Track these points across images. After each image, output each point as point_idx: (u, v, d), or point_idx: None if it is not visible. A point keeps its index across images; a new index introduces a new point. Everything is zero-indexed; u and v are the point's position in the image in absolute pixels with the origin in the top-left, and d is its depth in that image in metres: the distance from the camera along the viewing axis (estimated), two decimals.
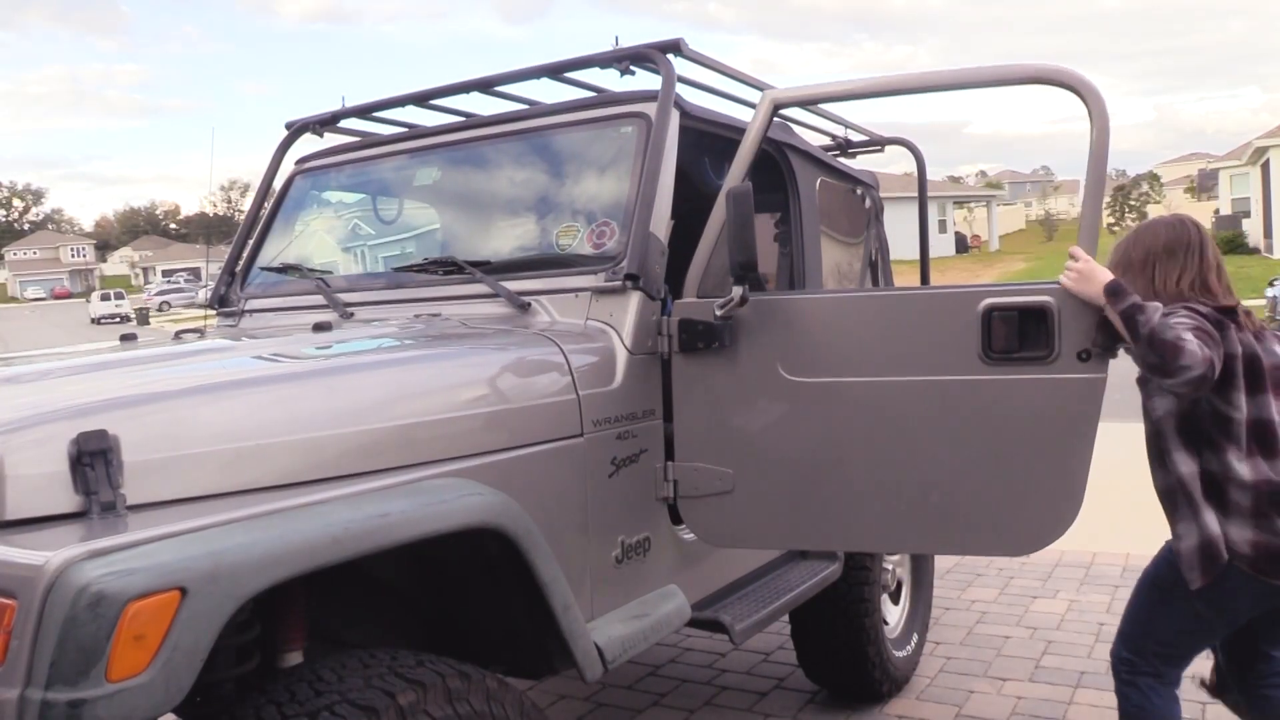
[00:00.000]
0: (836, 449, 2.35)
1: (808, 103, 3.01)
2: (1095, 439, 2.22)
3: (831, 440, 2.35)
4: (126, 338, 2.55)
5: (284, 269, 3.19)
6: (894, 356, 2.30)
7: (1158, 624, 2.40)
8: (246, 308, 3.18)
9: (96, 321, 47.78)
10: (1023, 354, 2.20)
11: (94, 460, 1.46)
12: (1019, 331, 2.20)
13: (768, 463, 2.41)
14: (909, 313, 2.32)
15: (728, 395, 2.43)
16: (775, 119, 3.47)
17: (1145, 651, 2.43)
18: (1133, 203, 39.75)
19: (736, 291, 2.33)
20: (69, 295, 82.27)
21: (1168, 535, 2.35)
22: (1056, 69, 2.27)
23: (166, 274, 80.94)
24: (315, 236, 3.36)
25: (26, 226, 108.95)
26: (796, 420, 2.37)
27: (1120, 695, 2.50)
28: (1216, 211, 35.45)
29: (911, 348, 2.29)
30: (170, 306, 48.59)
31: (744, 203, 2.24)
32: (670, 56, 2.71)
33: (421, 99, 3.19)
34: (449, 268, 2.69)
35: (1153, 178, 56.72)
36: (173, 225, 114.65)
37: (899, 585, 3.75)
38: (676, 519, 2.54)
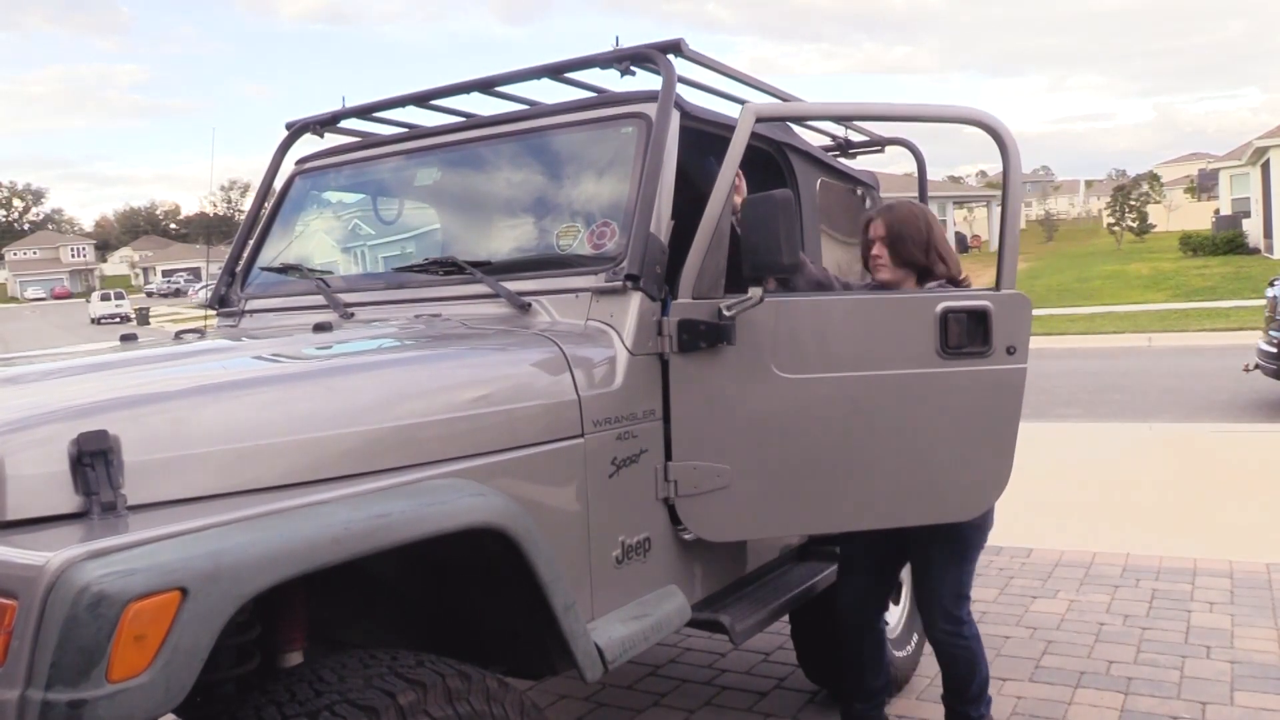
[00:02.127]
0: (824, 439, 2.57)
1: (783, 119, 3.25)
2: (1020, 416, 2.69)
3: (820, 431, 2.57)
4: (127, 338, 2.55)
5: (284, 269, 3.19)
6: (873, 353, 2.60)
7: (966, 575, 2.94)
8: (247, 308, 3.18)
9: (96, 321, 47.80)
10: (969, 349, 2.62)
11: (94, 460, 1.46)
12: (967, 330, 2.61)
13: (761, 457, 2.54)
14: (884, 314, 2.64)
15: (724, 393, 2.49)
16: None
17: (963, 603, 2.94)
18: (1133, 202, 39.49)
19: (756, 292, 2.41)
20: (69, 295, 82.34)
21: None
22: (978, 112, 2.71)
23: (166, 274, 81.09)
24: (315, 237, 3.36)
25: (26, 226, 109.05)
26: (788, 415, 2.54)
27: (959, 649, 2.96)
28: (1216, 211, 35.39)
29: (886, 345, 2.61)
30: None
31: (789, 208, 2.33)
32: (670, 57, 2.70)
33: (422, 99, 3.19)
34: (449, 268, 2.69)
35: (1153, 178, 56.63)
36: (173, 225, 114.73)
37: (899, 585, 3.75)
38: (676, 519, 2.54)
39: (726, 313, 2.42)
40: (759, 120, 2.62)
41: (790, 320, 2.53)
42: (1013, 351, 2.63)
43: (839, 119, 3.02)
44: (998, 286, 2.66)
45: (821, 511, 2.62)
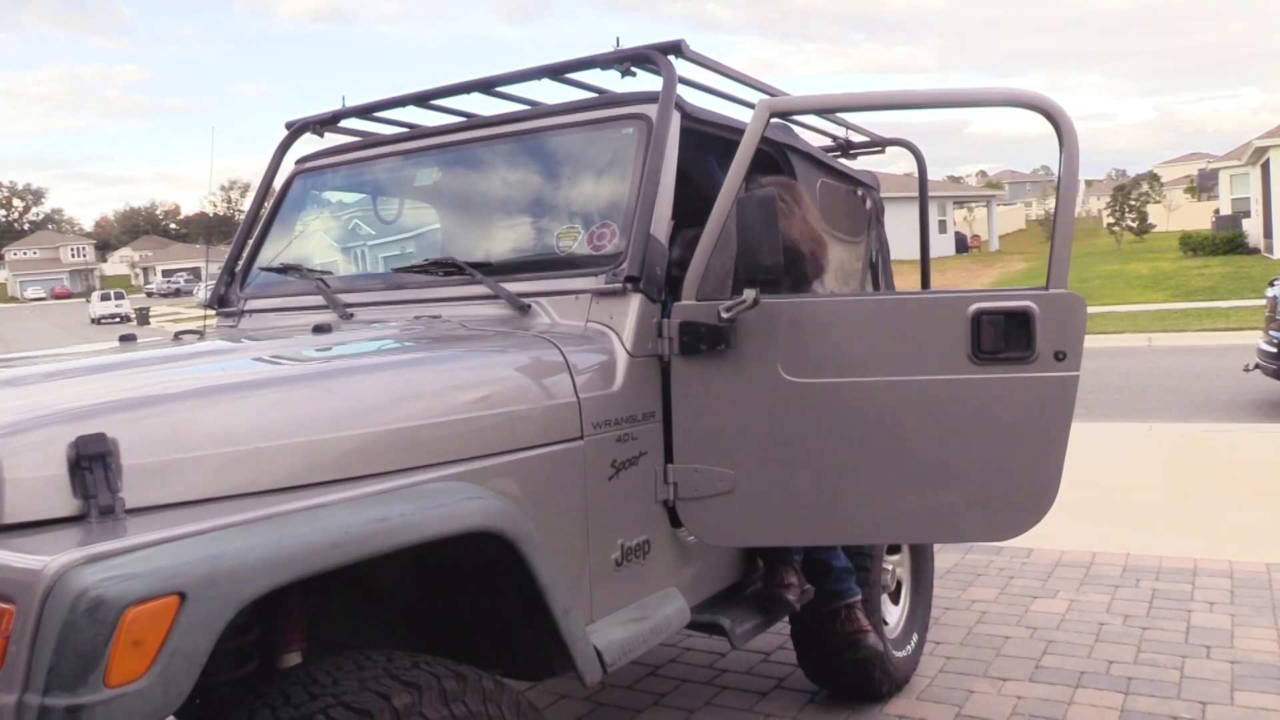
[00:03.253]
0: (835, 446, 2.44)
1: (801, 112, 3.10)
2: (1070, 430, 2.43)
3: (830, 438, 2.44)
4: (126, 339, 2.54)
5: (284, 269, 3.18)
6: (890, 357, 2.43)
7: None
8: (246, 308, 3.18)
9: (96, 321, 47.79)
10: (1007, 354, 2.40)
11: (93, 464, 1.46)
12: (1004, 334, 2.40)
13: (768, 462, 2.45)
14: (904, 316, 2.46)
15: (728, 396, 2.45)
16: (776, 120, 3.47)
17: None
18: (1133, 202, 39.51)
19: (750, 294, 2.35)
20: (69, 295, 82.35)
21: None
22: (1034, 95, 2.44)
23: (166, 274, 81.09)
24: (315, 237, 3.36)
25: (26, 226, 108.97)
26: (796, 420, 2.44)
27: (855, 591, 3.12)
28: (1216, 211, 35.40)
29: (906, 349, 2.43)
30: None
31: (770, 208, 2.28)
32: (671, 58, 2.70)
33: (422, 99, 3.18)
34: (449, 269, 2.68)
35: (1153, 178, 56.66)
36: (173, 225, 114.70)
37: (899, 585, 3.75)
38: (676, 521, 2.54)
39: (724, 315, 2.38)
40: (772, 116, 2.52)
41: (797, 322, 2.44)
42: (1062, 358, 2.38)
43: (862, 109, 2.86)
44: (1047, 285, 2.41)
45: (831, 522, 2.48)
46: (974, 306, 2.40)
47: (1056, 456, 2.43)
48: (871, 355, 2.43)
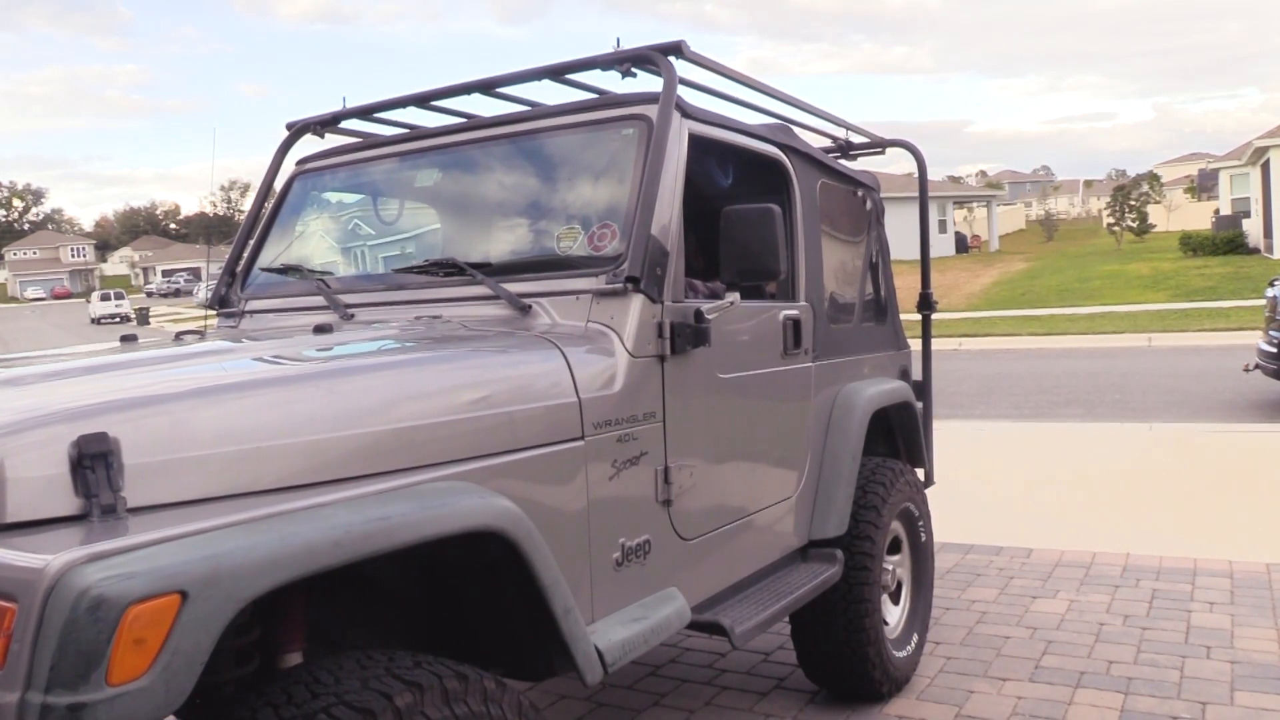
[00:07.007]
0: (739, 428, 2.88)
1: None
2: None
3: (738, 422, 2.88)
4: (127, 338, 2.54)
5: (284, 270, 3.18)
6: (755, 354, 2.93)
7: None
8: (247, 309, 3.18)
9: (96, 321, 47.79)
10: (796, 350, 3.12)
11: (94, 463, 1.46)
12: (795, 335, 3.09)
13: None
14: (754, 320, 2.95)
15: (700, 393, 2.64)
16: (776, 121, 3.49)
17: None
18: (1133, 202, 39.49)
19: (734, 297, 2.55)
20: (69, 295, 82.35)
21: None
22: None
23: (166, 274, 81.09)
24: (315, 237, 3.36)
25: (26, 226, 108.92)
26: (725, 412, 2.76)
27: None
28: (1216, 211, 35.41)
29: (759, 347, 2.95)
30: None
31: (777, 222, 2.51)
32: (671, 59, 2.70)
33: (423, 100, 3.19)
34: (449, 269, 2.69)
35: (1153, 178, 56.57)
36: (173, 225, 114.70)
37: (899, 585, 3.75)
38: (676, 521, 2.54)
39: (709, 316, 2.52)
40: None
41: (717, 326, 2.65)
42: (810, 353, 3.23)
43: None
44: None
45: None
46: (783, 314, 3.01)
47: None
48: (753, 353, 2.88)
